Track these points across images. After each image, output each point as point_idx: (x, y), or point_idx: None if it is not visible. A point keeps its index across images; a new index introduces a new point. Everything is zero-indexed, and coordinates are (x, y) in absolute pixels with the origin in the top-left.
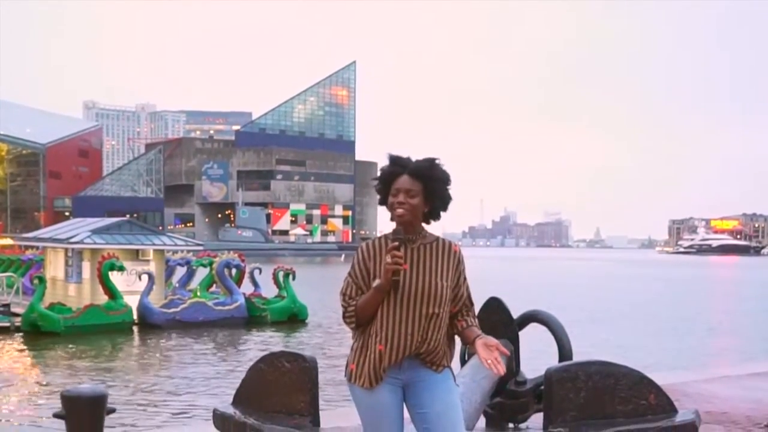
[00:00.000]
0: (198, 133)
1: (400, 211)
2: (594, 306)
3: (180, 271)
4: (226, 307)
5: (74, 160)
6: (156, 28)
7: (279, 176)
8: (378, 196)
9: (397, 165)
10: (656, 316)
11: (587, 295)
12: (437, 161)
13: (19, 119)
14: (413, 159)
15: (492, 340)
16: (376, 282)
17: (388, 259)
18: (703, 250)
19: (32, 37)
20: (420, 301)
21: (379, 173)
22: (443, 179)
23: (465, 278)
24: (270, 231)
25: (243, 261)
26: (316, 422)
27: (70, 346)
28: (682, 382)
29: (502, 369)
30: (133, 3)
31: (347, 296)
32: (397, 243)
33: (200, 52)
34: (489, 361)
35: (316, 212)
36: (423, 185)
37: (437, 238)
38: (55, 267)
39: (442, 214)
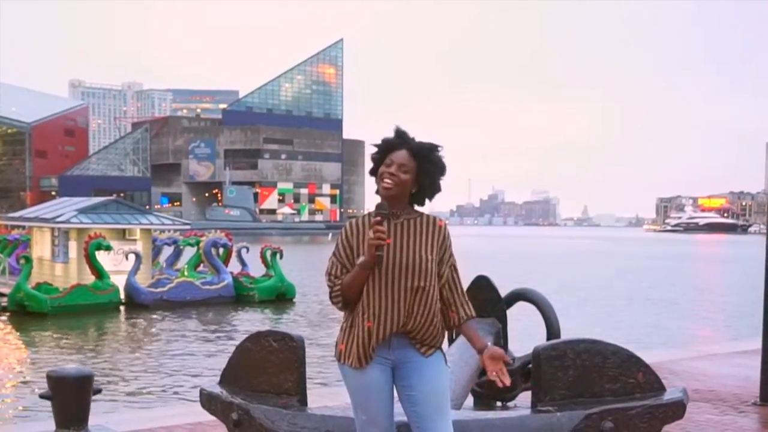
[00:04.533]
0: (185, 111)
1: (388, 181)
2: (581, 284)
3: (167, 251)
4: (214, 287)
5: (60, 139)
6: (142, 5)
7: (266, 155)
8: (371, 166)
9: (399, 138)
10: (644, 294)
11: (574, 274)
12: (440, 148)
13: (5, 98)
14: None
15: (497, 351)
16: (360, 259)
17: (371, 234)
18: (691, 228)
19: (17, 15)
20: (405, 275)
21: (380, 142)
22: (439, 166)
23: (451, 254)
24: (257, 210)
25: (230, 240)
26: (303, 402)
27: (57, 326)
28: (670, 360)
29: (507, 380)
30: None
31: (333, 276)
32: (379, 218)
33: (187, 30)
34: (494, 374)
35: (304, 191)
36: (418, 164)
37: (421, 214)
38: (41, 247)
39: (427, 201)
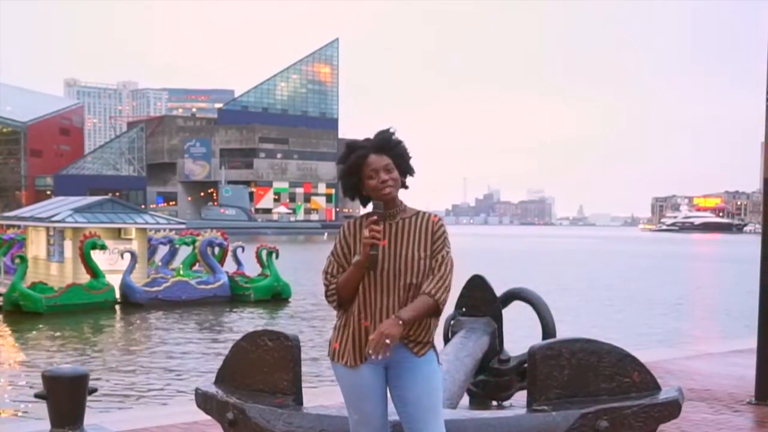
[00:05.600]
0: (180, 110)
1: (388, 190)
2: (577, 284)
3: (162, 250)
4: (209, 286)
5: (55, 138)
6: (140, 5)
7: (262, 154)
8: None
9: (359, 147)
10: (639, 294)
11: (570, 273)
12: (390, 129)
13: (0, 97)
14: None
15: (390, 330)
16: (356, 258)
17: (366, 233)
18: (686, 227)
19: (13, 14)
20: (399, 275)
21: (342, 166)
22: (406, 151)
23: (443, 246)
24: (253, 209)
25: (226, 239)
26: (298, 401)
27: (52, 325)
28: (665, 359)
29: (375, 354)
30: None
31: (329, 275)
32: (375, 217)
33: (183, 29)
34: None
35: (299, 190)
36: (390, 156)
37: (417, 212)
38: (36, 246)
39: (409, 179)
